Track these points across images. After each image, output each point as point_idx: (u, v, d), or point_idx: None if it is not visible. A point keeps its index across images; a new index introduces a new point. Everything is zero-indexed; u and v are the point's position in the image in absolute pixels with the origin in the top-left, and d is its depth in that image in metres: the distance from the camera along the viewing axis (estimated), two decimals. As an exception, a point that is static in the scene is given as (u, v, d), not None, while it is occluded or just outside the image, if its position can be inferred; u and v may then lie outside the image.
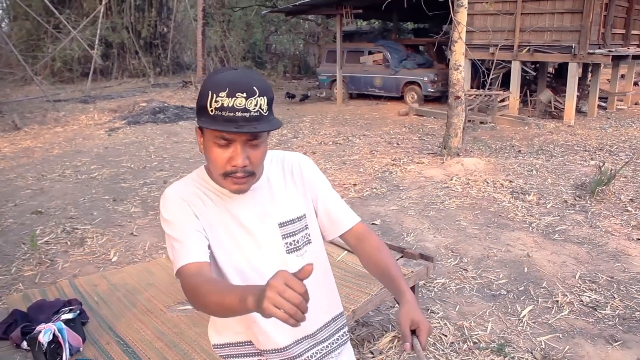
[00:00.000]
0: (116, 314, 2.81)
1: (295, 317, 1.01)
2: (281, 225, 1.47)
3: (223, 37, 20.07)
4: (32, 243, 4.81)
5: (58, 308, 2.67)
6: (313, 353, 1.54)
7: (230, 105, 1.24)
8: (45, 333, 2.28)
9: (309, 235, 1.52)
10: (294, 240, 1.49)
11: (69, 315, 2.49)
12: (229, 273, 1.43)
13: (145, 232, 5.36)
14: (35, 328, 2.40)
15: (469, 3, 8.07)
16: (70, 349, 2.39)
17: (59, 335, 2.33)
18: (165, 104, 13.58)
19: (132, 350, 2.46)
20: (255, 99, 1.26)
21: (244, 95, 1.24)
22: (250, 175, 1.36)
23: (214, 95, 1.25)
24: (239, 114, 1.24)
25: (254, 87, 1.26)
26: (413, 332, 1.33)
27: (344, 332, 1.64)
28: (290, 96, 15.98)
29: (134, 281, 3.19)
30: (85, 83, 18.76)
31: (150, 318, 2.76)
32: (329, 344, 1.58)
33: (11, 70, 17.73)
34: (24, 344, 2.45)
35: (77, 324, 2.52)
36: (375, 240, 1.55)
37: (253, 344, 1.50)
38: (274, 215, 1.47)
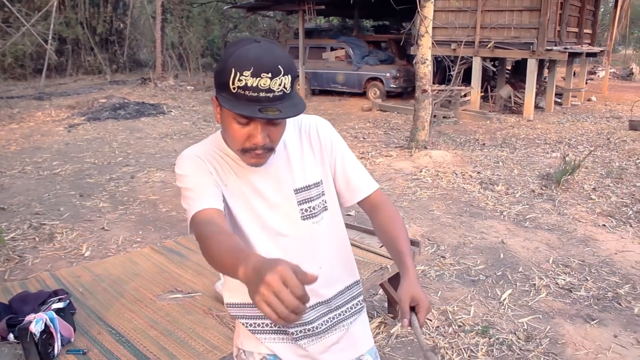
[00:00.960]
0: (104, 304, 2.72)
1: (287, 319, 0.91)
2: (297, 191, 1.44)
3: (182, 33, 19.73)
4: (-1, 239, 4.63)
5: (44, 299, 2.58)
6: (327, 319, 1.53)
7: (254, 85, 1.20)
8: (37, 323, 2.19)
9: (325, 201, 1.50)
10: (310, 207, 1.46)
11: (60, 305, 2.41)
12: (245, 224, 1.41)
13: (116, 227, 5.23)
14: (22, 319, 2.31)
15: (433, -1, 8.18)
16: (61, 340, 2.31)
17: (51, 325, 2.25)
18: (126, 100, 13.27)
19: (126, 339, 2.40)
20: (280, 78, 1.21)
21: (269, 75, 1.20)
22: (269, 150, 1.34)
23: (237, 74, 1.20)
24: (262, 94, 1.21)
25: (279, 66, 1.21)
26: (412, 309, 1.32)
27: (359, 301, 1.63)
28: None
29: (118, 272, 3.11)
30: (39, 80, 18.14)
31: (140, 307, 2.69)
32: (343, 311, 1.57)
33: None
34: (11, 336, 2.35)
35: (68, 313, 2.44)
36: (390, 210, 1.53)
37: None
38: (290, 182, 1.44)
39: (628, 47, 28.78)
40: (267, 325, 1.50)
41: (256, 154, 1.32)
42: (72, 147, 8.91)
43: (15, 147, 8.99)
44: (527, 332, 3.35)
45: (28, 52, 19.07)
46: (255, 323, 1.51)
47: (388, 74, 14.12)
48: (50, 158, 8.14)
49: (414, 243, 3.42)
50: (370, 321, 3.44)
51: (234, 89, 1.21)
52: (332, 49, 15.42)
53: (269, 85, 1.20)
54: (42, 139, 9.61)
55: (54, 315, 2.30)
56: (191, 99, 15.47)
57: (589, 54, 14.16)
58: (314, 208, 1.47)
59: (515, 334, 3.33)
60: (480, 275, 4.16)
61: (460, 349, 3.15)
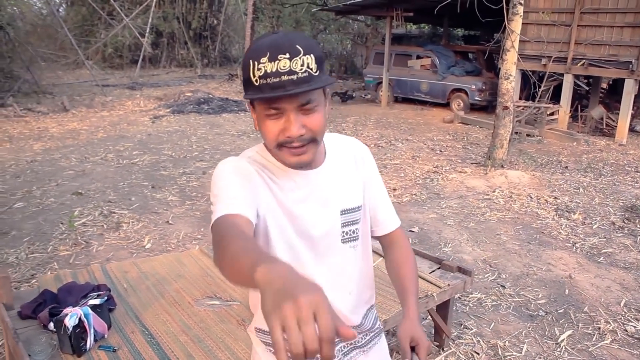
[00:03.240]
0: (144, 303, 2.78)
1: (295, 357, 0.74)
2: (343, 212, 1.38)
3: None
4: (70, 224, 4.86)
5: (87, 292, 2.66)
6: (350, 344, 1.49)
7: (274, 70, 1.11)
8: (71, 317, 2.26)
9: (362, 228, 1.45)
10: (350, 230, 1.40)
11: (97, 301, 2.47)
12: (278, 246, 1.30)
13: (180, 222, 5.37)
14: (62, 310, 2.39)
15: (524, 12, 7.84)
16: (95, 335, 2.37)
17: (85, 320, 2.31)
18: (210, 95, 13.68)
19: (157, 341, 2.42)
20: (300, 58, 1.12)
21: (287, 56, 1.11)
22: (310, 142, 1.22)
23: (256, 63, 1.12)
24: (285, 77, 1.11)
25: (297, 46, 1.12)
26: (412, 349, 1.31)
27: (379, 325, 1.59)
28: (340, 95, 15.78)
29: (164, 271, 3.16)
30: (134, 70, 19.11)
31: (177, 310, 2.72)
32: (364, 335, 1.53)
33: (64, 54, 18.19)
34: (51, 325, 2.44)
35: (104, 310, 2.50)
36: (406, 250, 1.51)
37: None
38: (338, 202, 1.37)
39: None
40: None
41: (294, 148, 1.21)
42: (153, 138, 9.27)
43: (102, 134, 9.48)
44: (582, 380, 3.10)
45: (127, 44, 20.12)
46: None
47: (473, 86, 13.71)
48: (131, 147, 8.50)
49: (465, 272, 3.26)
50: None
51: (256, 81, 1.13)
52: (418, 57, 15.17)
53: (289, 66, 1.11)
54: (127, 128, 10.07)
55: (89, 311, 2.36)
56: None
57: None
58: (353, 232, 1.41)
59: (568, 380, 3.09)
60: (540, 311, 3.90)
61: (505, 390, 2.97)
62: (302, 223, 1.32)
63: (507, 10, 7.58)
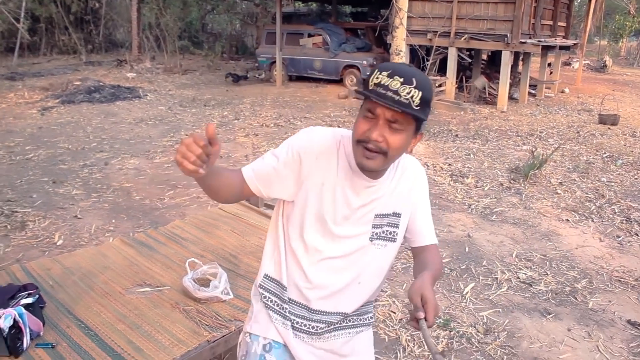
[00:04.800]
0: (74, 297, 2.78)
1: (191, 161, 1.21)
2: (377, 216, 1.56)
3: (159, 15, 19.46)
4: (-31, 227, 4.62)
5: (13, 293, 2.62)
6: (336, 325, 1.66)
7: (386, 84, 1.33)
8: (6, 318, 2.24)
9: (396, 234, 1.60)
10: (381, 231, 1.58)
11: (29, 300, 2.46)
12: (308, 217, 1.54)
13: (89, 215, 5.25)
14: (-8, 313, 2.36)
15: (410, -10, 8.25)
16: (31, 334, 2.37)
17: (20, 320, 2.30)
18: (101, 83, 13.13)
19: (94, 332, 2.46)
20: (410, 87, 1.33)
21: (401, 80, 1.32)
22: (381, 153, 1.41)
23: (377, 73, 1.35)
24: (390, 93, 1.32)
25: (414, 79, 1.33)
26: (422, 308, 1.32)
27: (370, 316, 1.76)
28: (233, 77, 15.73)
29: (88, 265, 3.15)
30: (11, 59, 17.86)
31: (109, 301, 2.75)
32: (353, 318, 1.70)
33: None
34: (-20, 330, 2.40)
35: (37, 308, 2.49)
36: (436, 255, 1.64)
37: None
38: (377, 207, 1.56)
39: (603, 39, 29.22)
40: (285, 309, 1.63)
41: (368, 150, 1.40)
42: (45, 131, 8.83)
43: (-14, 130, 8.87)
44: (486, 325, 3.49)
45: None
46: (276, 302, 1.65)
47: (365, 62, 14.18)
48: (22, 142, 8.06)
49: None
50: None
51: (370, 85, 1.36)
52: (310, 35, 15.41)
53: (398, 88, 1.33)
54: (14, 122, 9.50)
55: (23, 310, 2.35)
56: (168, 82, 15.36)
57: (562, 47, 14.36)
58: (383, 232, 1.58)
59: (475, 327, 3.47)
60: (445, 269, 4.29)
61: (421, 341, 3.28)
62: (346, 210, 1.54)
63: (395, -11, 7.95)
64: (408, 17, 9.09)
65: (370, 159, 1.42)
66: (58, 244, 4.60)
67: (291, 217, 1.58)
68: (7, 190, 5.86)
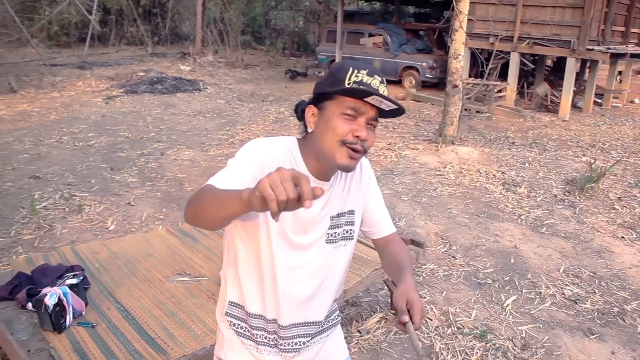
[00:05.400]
0: (116, 281, 2.90)
1: (280, 206, 0.98)
2: (332, 218, 1.52)
3: (223, 10, 19.87)
4: (31, 208, 4.87)
5: (61, 273, 2.76)
6: (309, 337, 1.60)
7: (368, 82, 1.36)
8: (51, 296, 2.38)
9: (352, 231, 1.58)
10: (335, 233, 1.54)
11: (73, 281, 2.59)
12: (270, 233, 1.43)
13: (142, 203, 5.44)
14: (40, 291, 2.50)
15: (473, -8, 8.11)
16: (73, 312, 2.49)
17: (64, 299, 2.43)
18: (164, 75, 13.53)
19: (132, 316, 2.57)
20: (384, 86, 1.39)
21: (379, 79, 1.38)
22: (363, 153, 1.41)
23: (355, 71, 1.36)
24: (373, 90, 1.35)
25: (384, 79, 1.40)
26: (407, 312, 1.34)
27: (336, 315, 1.73)
28: (292, 73, 15.85)
29: (133, 251, 3.29)
30: (82, 48, 18.61)
31: (149, 287, 2.86)
32: (322, 323, 1.64)
33: (6, 31, 17.50)
34: (29, 305, 2.55)
35: (81, 289, 2.62)
36: (400, 243, 1.65)
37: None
38: (334, 207, 1.52)
39: (680, 49, 27.72)
40: (256, 335, 1.56)
41: (355, 151, 1.37)
42: (108, 120, 9.19)
43: (55, 116, 9.32)
44: (524, 340, 3.41)
45: (73, 21, 19.50)
46: (245, 327, 1.56)
47: (424, 64, 14.02)
48: (86, 129, 8.42)
49: (418, 244, 3.51)
50: (371, 316, 3.57)
51: (349, 83, 1.36)
52: (370, 35, 15.37)
53: (378, 87, 1.37)
54: (80, 109, 9.93)
55: (68, 290, 2.48)
56: (228, 76, 15.66)
57: (633, 55, 13.74)
58: (342, 232, 1.56)
59: (512, 341, 3.39)
60: (488, 279, 4.21)
61: (456, 351, 3.24)
62: (303, 217, 1.45)
63: (456, -9, 7.83)
64: (469, 19, 8.93)
65: (355, 159, 1.39)
66: (110, 229, 4.79)
67: (246, 239, 1.47)
68: (68, 174, 6.15)
